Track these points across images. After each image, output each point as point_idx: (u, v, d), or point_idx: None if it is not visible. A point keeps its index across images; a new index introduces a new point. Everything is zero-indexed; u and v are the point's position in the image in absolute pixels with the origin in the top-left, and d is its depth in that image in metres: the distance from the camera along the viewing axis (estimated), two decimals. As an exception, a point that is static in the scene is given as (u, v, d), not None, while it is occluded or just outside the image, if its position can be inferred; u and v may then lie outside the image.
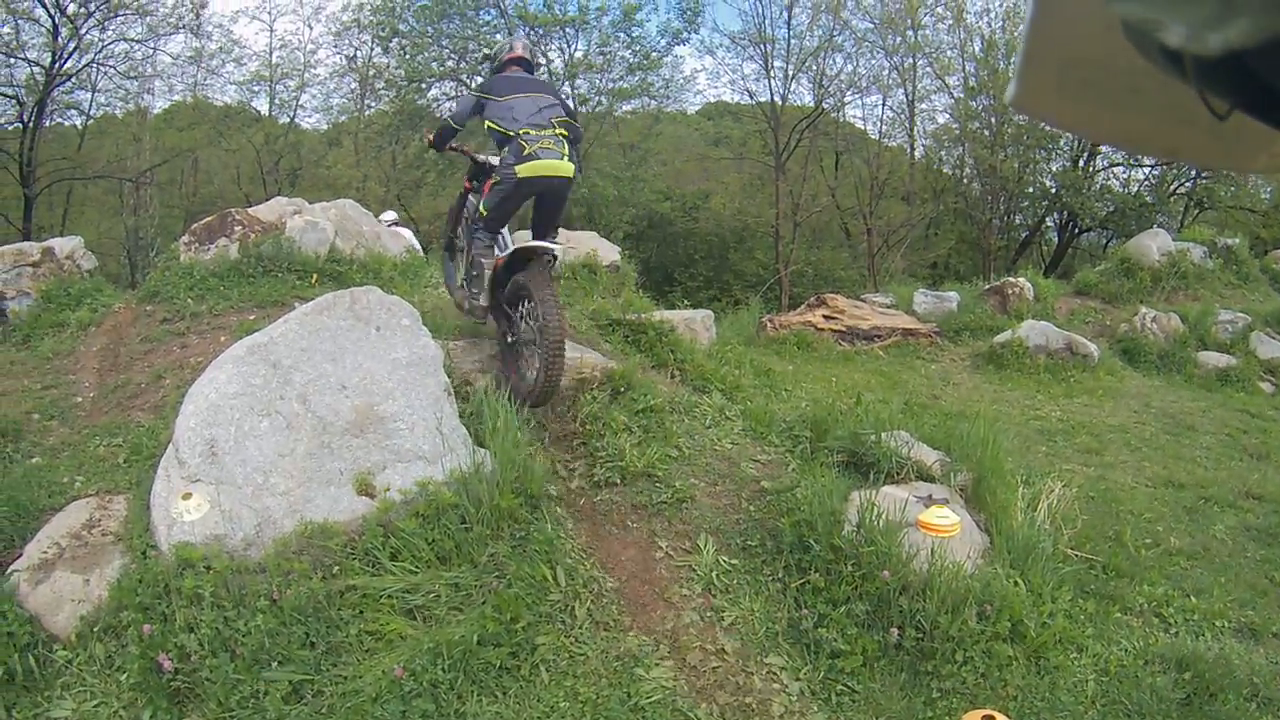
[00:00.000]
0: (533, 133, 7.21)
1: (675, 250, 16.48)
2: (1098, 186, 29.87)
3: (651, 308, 10.79)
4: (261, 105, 36.25)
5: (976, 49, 30.69)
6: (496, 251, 7.76)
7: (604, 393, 7.68)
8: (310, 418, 6.41)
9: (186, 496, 5.97)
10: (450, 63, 27.96)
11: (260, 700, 5.17)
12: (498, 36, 26.44)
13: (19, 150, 28.50)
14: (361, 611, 5.57)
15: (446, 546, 5.86)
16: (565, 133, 7.36)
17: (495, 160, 7.66)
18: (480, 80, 10.33)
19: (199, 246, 11.21)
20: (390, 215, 17.24)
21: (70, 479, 7.31)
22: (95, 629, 5.58)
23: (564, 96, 8.70)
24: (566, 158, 7.31)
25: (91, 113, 32.91)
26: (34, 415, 8.60)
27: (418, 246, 14.43)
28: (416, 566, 5.76)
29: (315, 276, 10.73)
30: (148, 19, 29.50)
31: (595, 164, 26.80)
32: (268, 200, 12.53)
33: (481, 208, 7.68)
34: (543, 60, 26.71)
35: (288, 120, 36.10)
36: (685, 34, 27.84)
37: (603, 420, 7.37)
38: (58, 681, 5.49)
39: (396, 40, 28.40)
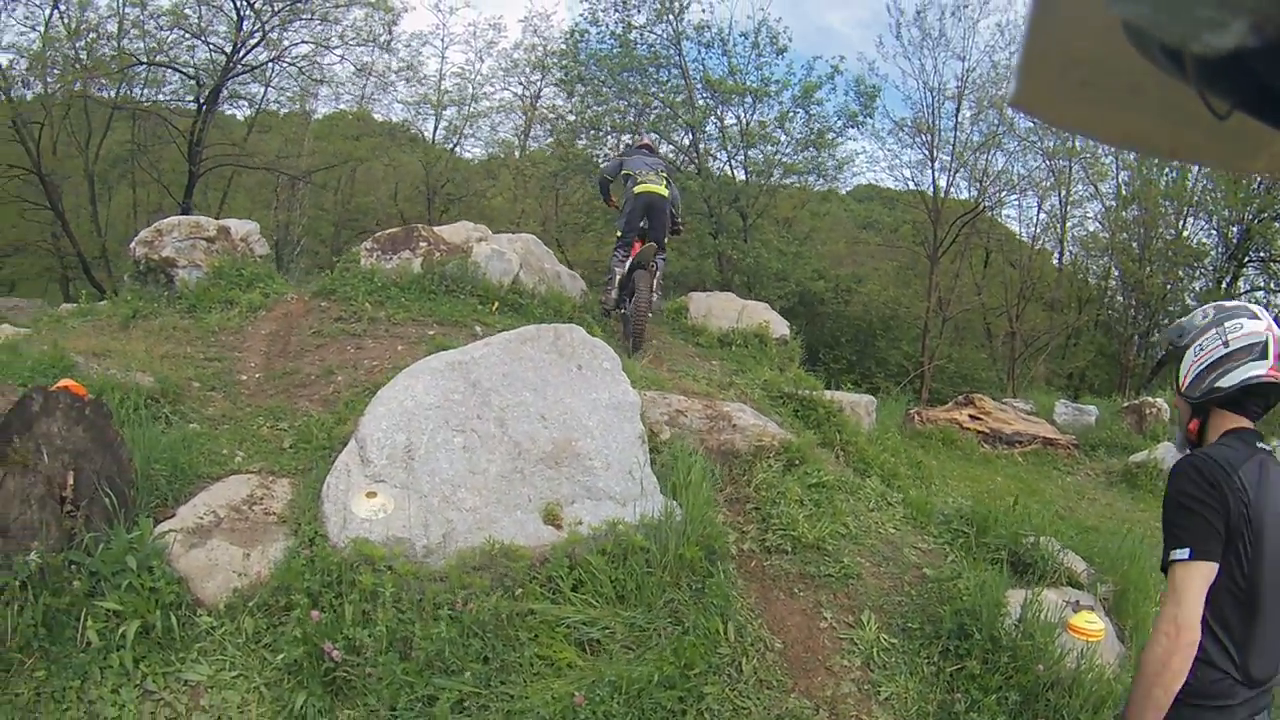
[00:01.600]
0: (646, 173, 11.55)
1: (823, 329, 16.43)
2: (1243, 309, 28.85)
3: (819, 385, 10.82)
4: (425, 127, 36.89)
5: (1131, 156, 30.07)
6: (619, 267, 11.40)
7: (779, 463, 7.78)
8: (506, 441, 6.48)
9: (371, 495, 6.06)
10: (631, 116, 28.10)
11: (428, 706, 5.20)
12: (678, 98, 27.19)
13: (190, 130, 29.52)
14: (537, 635, 5.58)
15: (629, 586, 5.86)
16: (665, 174, 11.79)
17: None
18: (624, 148, 14.58)
19: (381, 255, 11.49)
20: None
21: (231, 452, 7.46)
22: (249, 603, 5.64)
23: (667, 163, 13.49)
24: (664, 186, 11.56)
25: (261, 106, 34.04)
26: (194, 383, 8.81)
27: None
28: (596, 601, 5.76)
29: (496, 304, 10.93)
30: (337, 27, 30.32)
31: (761, 235, 26.82)
32: (434, 221, 12.86)
33: (617, 229, 11.90)
34: (663, 146, 27.05)
35: (450, 147, 36.63)
36: (861, 117, 27.62)
37: (777, 489, 7.43)
38: (195, 646, 5.55)
39: (580, 87, 28.63)
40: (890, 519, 7.97)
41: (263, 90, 32.96)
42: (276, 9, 28.69)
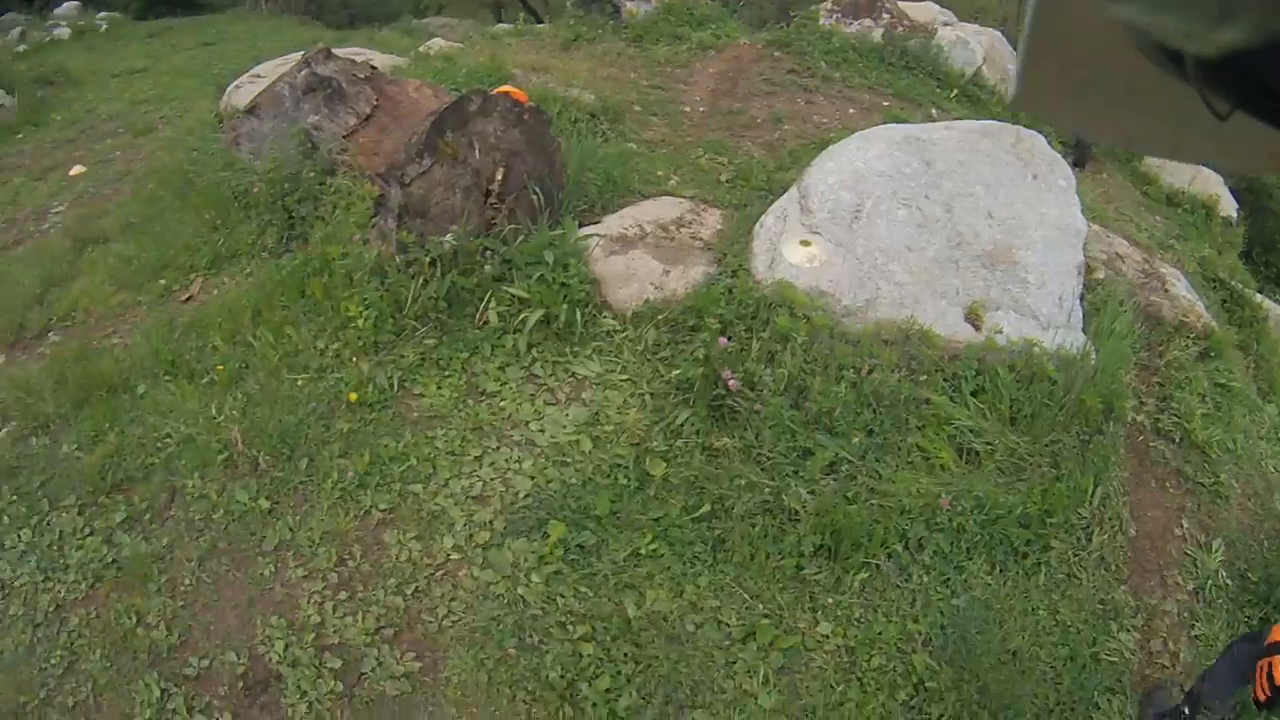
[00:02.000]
0: None
1: (1264, 227, 15.08)
2: None
3: (1254, 284, 10.06)
4: None
5: None
6: None
7: (1196, 348, 7.33)
8: (949, 227, 6.33)
9: (805, 244, 6.06)
10: None
11: (801, 458, 5.26)
12: None
13: None
14: (924, 426, 5.55)
15: (1024, 411, 5.70)
16: None
17: None
18: None
19: (842, 17, 11.36)
20: None
21: (666, 174, 7.65)
22: (658, 317, 5.79)
23: None
24: None
25: None
26: (636, 106, 9.01)
27: None
28: (990, 414, 5.66)
29: (955, 90, 10.67)
30: None
31: None
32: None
33: None
34: None
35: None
36: None
37: (1186, 373, 7.03)
38: (592, 344, 5.79)
39: None
40: (1276, 454, 7.39)
41: None
42: None
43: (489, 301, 5.81)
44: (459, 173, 6.03)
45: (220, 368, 6.08)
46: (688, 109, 9.34)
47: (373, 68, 7.60)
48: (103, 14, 24.95)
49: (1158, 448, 6.53)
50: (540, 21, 15.30)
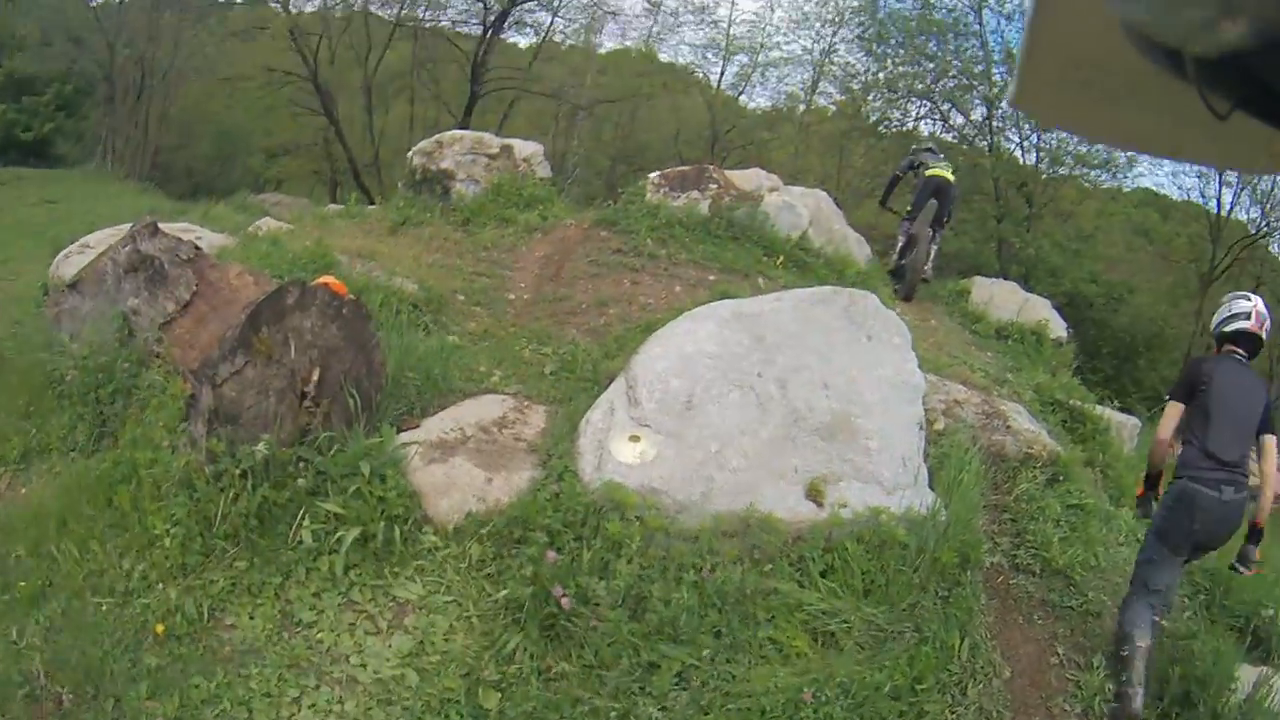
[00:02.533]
0: (936, 162, 12.84)
1: (1085, 336, 15.71)
2: None
3: (1092, 398, 10.44)
4: (711, 71, 37.02)
5: None
6: (909, 230, 12.60)
7: (1043, 475, 7.55)
8: (784, 405, 6.34)
9: (634, 439, 5.96)
10: (929, 82, 27.65)
11: (648, 672, 5.11)
12: (977, 68, 26.70)
13: (475, 51, 30.77)
14: (774, 617, 5.44)
15: (878, 581, 5.67)
16: (950, 164, 13.33)
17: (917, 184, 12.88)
18: (912, 150, 14.89)
19: (669, 191, 11.48)
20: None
21: (489, 370, 7.52)
22: (482, 530, 5.58)
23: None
24: (950, 171, 12.77)
25: (546, 35, 34.73)
26: (459, 295, 8.93)
27: None
28: (843, 591, 5.59)
29: (781, 258, 10.80)
30: None
31: (1044, 226, 26.26)
32: (693, 166, 12.95)
33: (907, 206, 13.01)
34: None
35: (735, 94, 36.93)
36: None
37: (1037, 504, 7.22)
38: (414, 564, 5.55)
39: (879, 46, 28.25)
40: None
41: (550, 19, 33.55)
42: None
43: (303, 519, 5.47)
44: (273, 373, 5.82)
45: (23, 584, 5.61)
46: (512, 296, 9.38)
47: (197, 248, 7.37)
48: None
49: (1019, 583, 6.65)
50: (372, 202, 15.47)
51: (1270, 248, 30.63)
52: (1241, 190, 28.35)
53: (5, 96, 33.14)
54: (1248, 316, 6.17)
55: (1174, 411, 6.12)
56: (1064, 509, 7.32)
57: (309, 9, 30.50)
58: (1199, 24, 0.80)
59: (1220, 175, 27.87)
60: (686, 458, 5.91)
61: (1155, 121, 1.06)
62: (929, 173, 12.58)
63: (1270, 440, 6.11)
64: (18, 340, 8.20)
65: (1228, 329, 6.26)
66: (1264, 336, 6.25)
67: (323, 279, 6.73)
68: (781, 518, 5.78)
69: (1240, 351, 6.22)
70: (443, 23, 32.31)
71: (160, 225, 7.48)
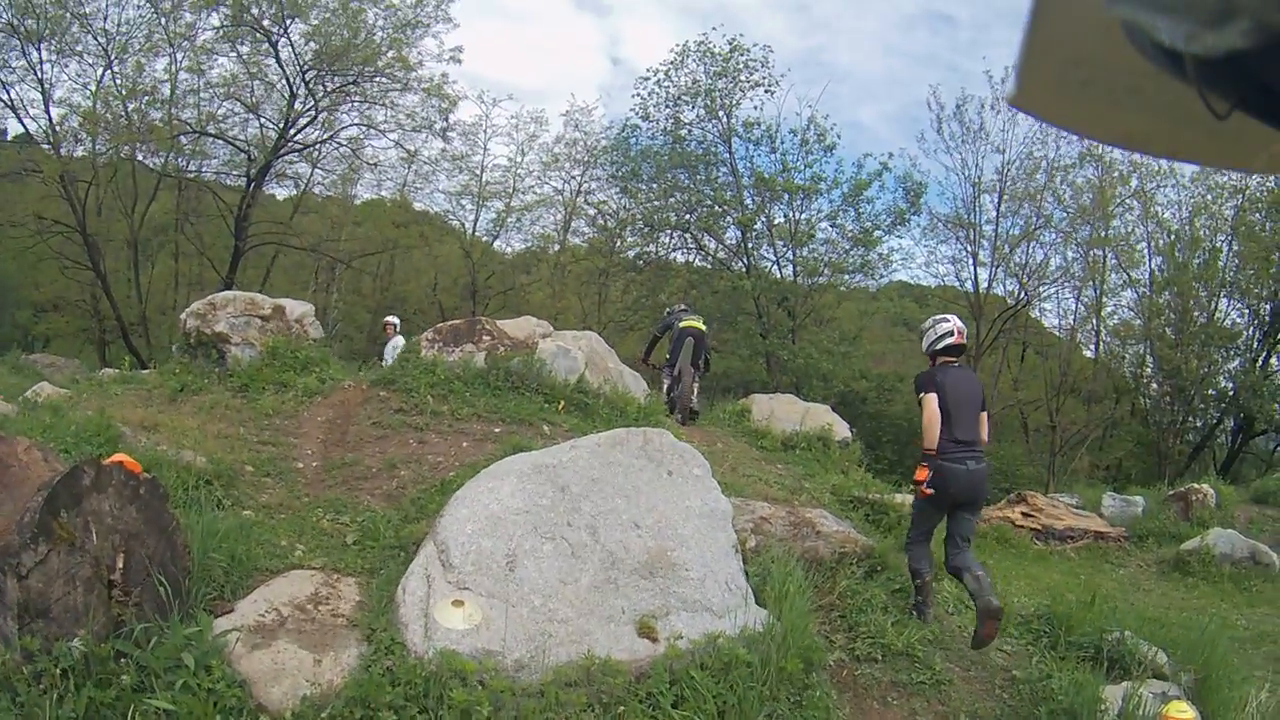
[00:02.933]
0: (690, 315, 15.14)
1: (864, 429, 16.33)
2: (1276, 387, 29.17)
3: (887, 489, 10.93)
4: (465, 218, 37.52)
5: (1162, 242, 30.65)
6: (673, 371, 14.46)
7: (861, 569, 7.87)
8: (599, 550, 6.40)
9: (458, 604, 5.91)
10: (685, 215, 28.71)
11: None
12: (728, 195, 27.93)
13: (239, 204, 30.47)
14: None
15: (729, 701, 5.71)
16: (703, 317, 15.87)
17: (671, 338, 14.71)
18: (667, 312, 16.70)
19: (443, 347, 11.55)
20: (394, 320, 19.40)
21: (290, 544, 7.36)
22: (321, 714, 5.33)
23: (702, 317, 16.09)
24: (702, 323, 15.11)
25: (306, 187, 34.91)
26: (248, 467, 8.71)
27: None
28: (698, 718, 5.59)
29: (562, 403, 10.92)
30: (390, 111, 31.10)
31: (809, 334, 27.05)
32: (473, 313, 13.03)
33: (666, 356, 14.94)
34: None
35: (490, 240, 37.43)
36: (909, 215, 28.15)
37: (862, 596, 7.50)
38: None
39: (636, 183, 29.26)
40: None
41: (310, 170, 33.72)
42: (328, 89, 29.44)
43: (133, 718, 5.06)
44: (77, 561, 5.41)
45: None
46: (301, 464, 9.20)
47: None
48: None
49: (865, 672, 6.81)
50: (144, 365, 15.03)
51: (1031, 313, 32.47)
52: (997, 266, 30.03)
53: None
54: (952, 334, 8.20)
55: (932, 401, 7.83)
56: (889, 595, 7.66)
57: (79, 153, 29.47)
58: (1198, 24, 0.83)
59: (974, 258, 29.73)
60: (513, 615, 5.89)
61: (1155, 121, 1.07)
62: (683, 324, 14.83)
63: (984, 415, 8.18)
64: None
65: (939, 346, 8.26)
66: (965, 342, 8.44)
67: (116, 456, 6.47)
68: (620, 659, 5.78)
69: (953, 360, 8.27)
70: (205, 174, 31.94)
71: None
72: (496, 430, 9.96)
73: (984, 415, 8.17)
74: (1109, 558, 15.85)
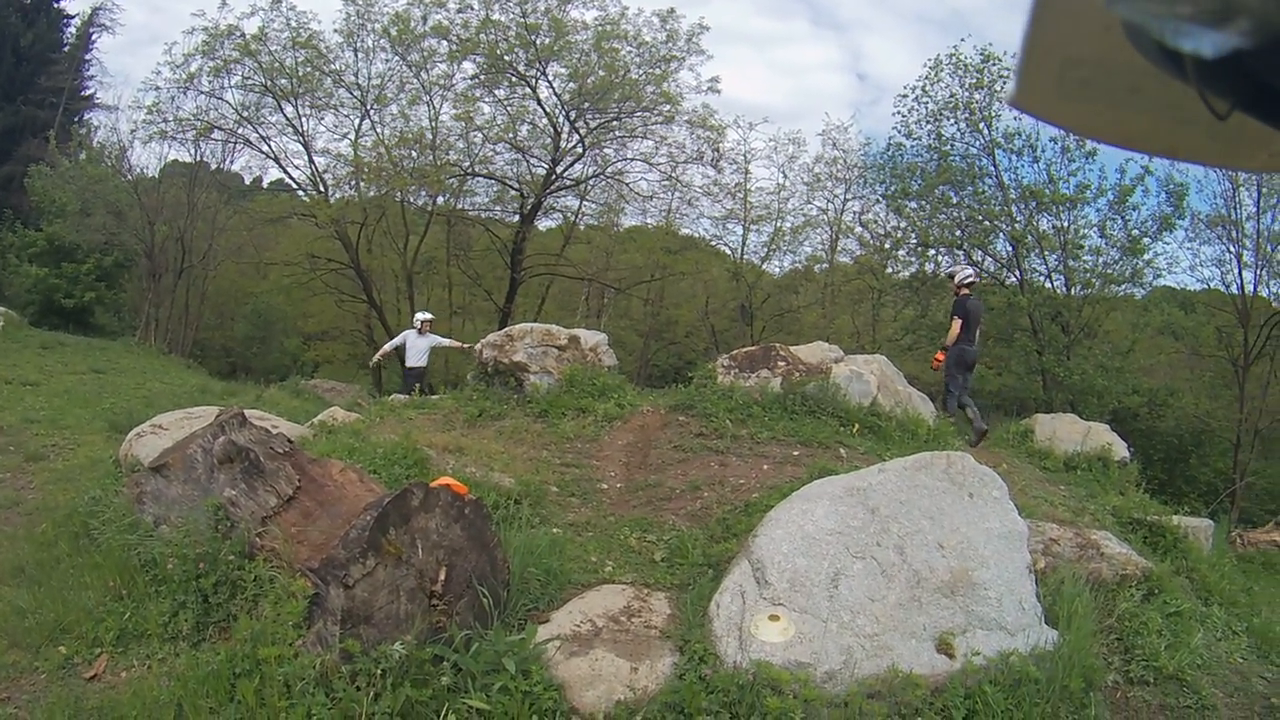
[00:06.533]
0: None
1: (1137, 446, 15.88)
2: None
3: (1165, 511, 10.83)
4: (730, 242, 37.61)
5: None
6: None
7: (1139, 592, 7.93)
8: (906, 569, 6.75)
9: (774, 619, 6.25)
10: (955, 231, 28.50)
11: None
12: (996, 208, 27.51)
13: (515, 238, 31.86)
14: None
15: (1015, 716, 6.02)
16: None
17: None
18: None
19: (739, 373, 11.96)
20: (425, 315, 18.80)
21: (600, 560, 7.72)
22: (636, 717, 5.63)
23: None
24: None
25: (577, 219, 35.98)
26: (553, 487, 9.11)
27: (446, 343, 18.82)
28: None
29: (856, 426, 11.17)
30: (657, 144, 31.52)
31: (1084, 351, 26.29)
32: (751, 337, 13.52)
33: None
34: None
35: (758, 262, 37.36)
36: (1174, 220, 26.87)
37: (1139, 619, 7.57)
38: None
39: (910, 203, 29.22)
40: (1236, 648, 8.05)
41: (578, 203, 34.71)
42: (591, 126, 30.18)
43: (447, 716, 5.42)
44: (403, 574, 5.88)
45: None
46: (604, 485, 9.51)
47: (289, 441, 7.47)
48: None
49: (1136, 694, 7.04)
50: (433, 393, 16.14)
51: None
52: (1262, 269, 28.13)
53: (46, 261, 34.40)
54: (972, 275, 13.98)
55: (957, 324, 13.16)
56: (1164, 619, 7.69)
57: (339, 195, 31.49)
58: (1198, 24, 0.85)
59: (1238, 259, 27.91)
60: (823, 629, 6.23)
61: (1155, 121, 1.09)
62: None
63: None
64: (96, 515, 8.27)
65: (966, 282, 13.89)
66: (979, 281, 13.08)
67: (442, 480, 6.87)
68: (920, 674, 6.12)
69: (970, 291, 13.65)
70: (471, 210, 33.35)
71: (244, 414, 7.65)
72: (795, 453, 10.19)
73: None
74: (1393, 583, 15.04)
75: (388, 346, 19.20)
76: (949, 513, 7.32)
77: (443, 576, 6.10)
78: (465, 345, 17.62)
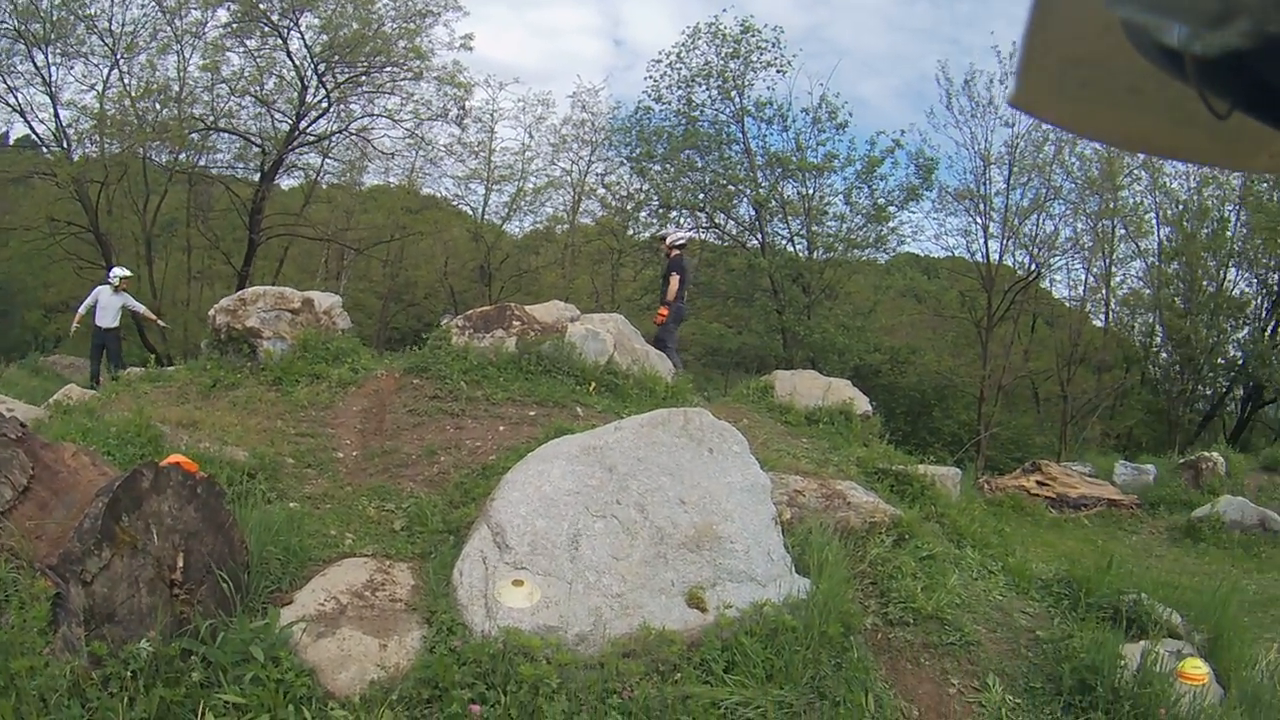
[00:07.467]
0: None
1: (878, 401, 16.65)
2: (1285, 356, 29.36)
3: (911, 460, 11.00)
4: (473, 203, 37.64)
5: (1171, 212, 30.92)
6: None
7: (890, 538, 8.03)
8: (649, 526, 6.62)
9: (518, 584, 6.07)
10: (699, 194, 29.07)
11: None
12: (742, 174, 28.19)
13: (253, 198, 30.56)
14: (695, 719, 5.62)
15: (776, 665, 5.97)
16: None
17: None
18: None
19: (474, 333, 11.62)
20: (122, 271, 18.14)
21: (340, 534, 7.41)
22: (390, 696, 5.40)
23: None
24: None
25: (318, 177, 34.85)
26: (289, 459, 8.76)
27: (138, 309, 18.46)
28: (749, 681, 5.85)
29: (593, 384, 11.04)
30: (404, 100, 31.19)
31: (824, 310, 27.38)
32: (488, 297, 13.21)
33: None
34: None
35: (499, 223, 37.40)
36: (921, 190, 28.35)
37: (892, 564, 7.68)
38: None
39: (653, 165, 29.37)
40: (994, 586, 8.22)
41: (320, 161, 33.63)
42: (339, 80, 29.45)
43: (204, 714, 5.04)
44: (140, 563, 5.45)
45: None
46: (340, 454, 9.23)
47: (23, 425, 6.59)
48: None
49: (899, 635, 7.08)
50: (163, 361, 15.05)
51: (1041, 284, 32.88)
52: (1008, 239, 30.22)
53: None
54: (683, 238, 15.05)
55: (675, 279, 14.16)
56: (918, 562, 7.84)
57: (81, 153, 29.37)
58: (1199, 24, 0.85)
59: (984, 230, 29.90)
60: (569, 591, 6.11)
61: (1155, 121, 1.08)
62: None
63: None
64: None
65: (679, 243, 15.13)
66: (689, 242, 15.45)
67: (172, 457, 6.47)
68: (674, 629, 6.04)
69: (681, 252, 14.61)
70: (213, 166, 32.07)
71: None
72: (531, 414, 10.07)
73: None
74: (1122, 525, 16.32)
75: (81, 308, 17.79)
76: (689, 468, 7.25)
77: (181, 563, 5.68)
78: (159, 320, 17.74)
